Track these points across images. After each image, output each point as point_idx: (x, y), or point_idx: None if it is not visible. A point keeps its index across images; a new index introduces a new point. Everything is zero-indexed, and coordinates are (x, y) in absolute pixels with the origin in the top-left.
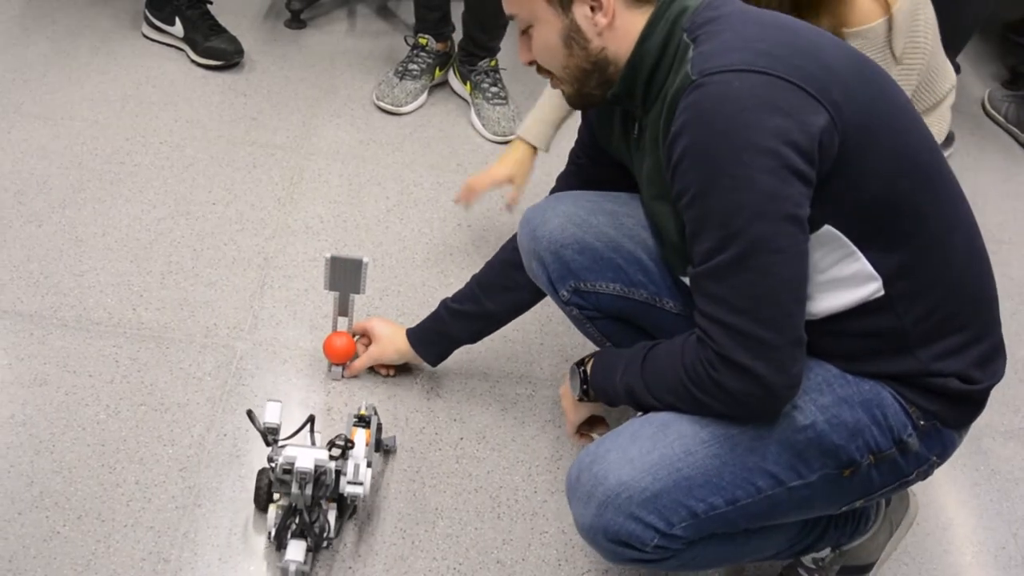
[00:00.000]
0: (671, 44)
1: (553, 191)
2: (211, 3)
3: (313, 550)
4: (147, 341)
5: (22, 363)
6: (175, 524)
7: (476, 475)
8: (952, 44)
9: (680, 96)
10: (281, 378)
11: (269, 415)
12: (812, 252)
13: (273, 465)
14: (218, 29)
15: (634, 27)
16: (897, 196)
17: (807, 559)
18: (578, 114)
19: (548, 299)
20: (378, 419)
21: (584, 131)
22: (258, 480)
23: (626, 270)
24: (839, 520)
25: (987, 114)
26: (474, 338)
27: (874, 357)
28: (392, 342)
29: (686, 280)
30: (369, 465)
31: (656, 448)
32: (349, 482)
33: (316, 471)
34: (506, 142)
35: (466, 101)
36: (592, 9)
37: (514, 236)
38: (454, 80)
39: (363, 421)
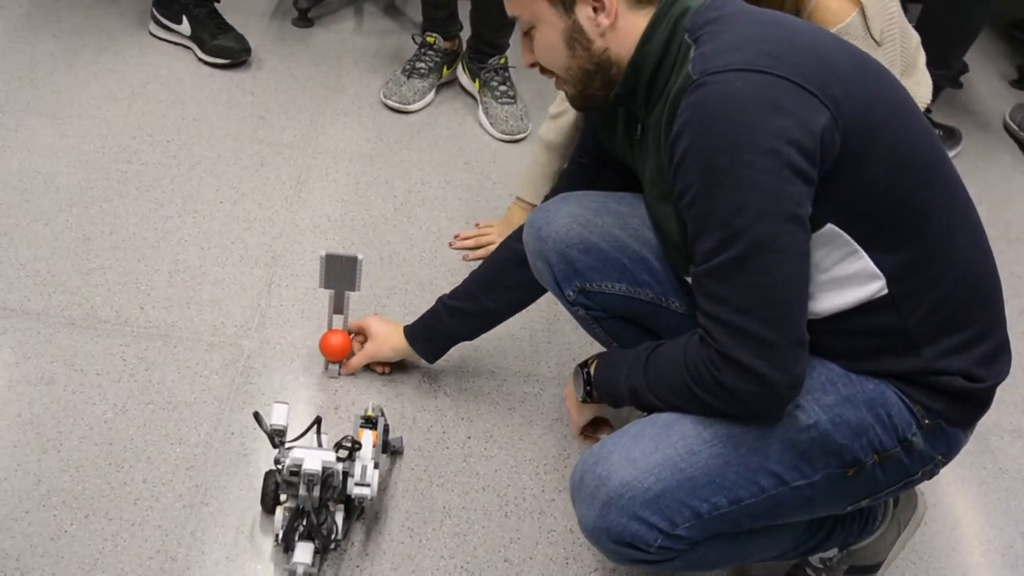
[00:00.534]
0: (673, 44)
1: (555, 190)
2: (218, 1)
3: (321, 552)
4: (154, 339)
5: (29, 361)
6: (182, 523)
7: (483, 474)
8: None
9: (682, 96)
10: (288, 376)
11: (276, 417)
12: (814, 251)
13: (280, 467)
14: (225, 27)
15: (636, 28)
16: (899, 193)
17: (814, 559)
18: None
19: (554, 297)
20: (385, 420)
21: (587, 132)
22: (265, 482)
23: (632, 270)
24: (845, 520)
25: (1008, 131)
26: (471, 335)
27: (878, 356)
28: (388, 339)
29: (690, 280)
30: (376, 466)
31: (659, 448)
32: (356, 484)
33: (323, 473)
34: (513, 141)
35: (474, 98)
36: (595, 10)
37: (513, 234)
38: (463, 76)
39: (370, 422)
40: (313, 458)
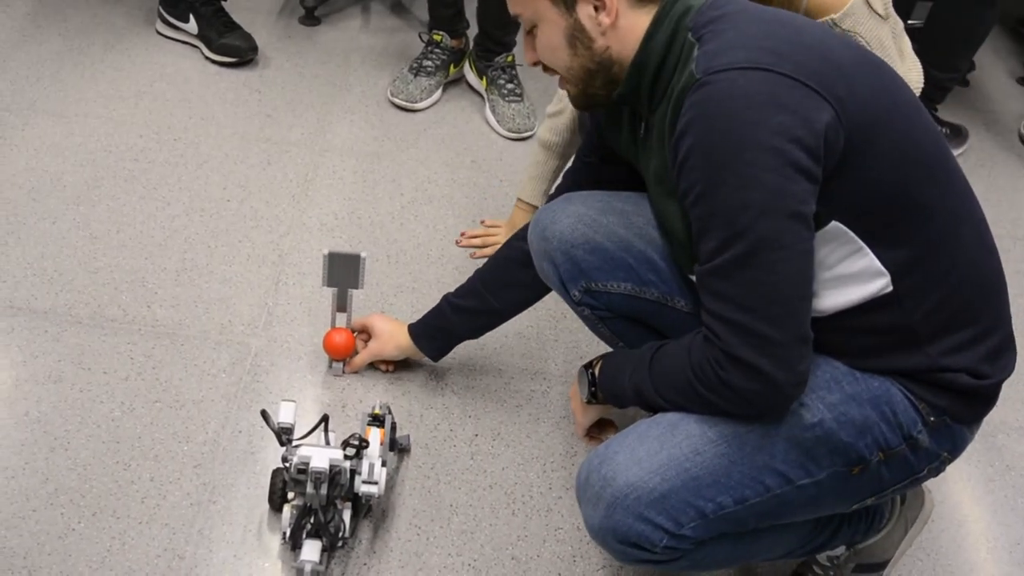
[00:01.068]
0: (676, 43)
1: (560, 188)
2: (225, 0)
3: (328, 550)
4: (162, 338)
5: (37, 360)
6: (190, 521)
7: (491, 471)
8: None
9: (685, 94)
10: (295, 375)
11: (283, 415)
12: (818, 249)
13: (288, 465)
14: (232, 26)
15: (638, 27)
16: (904, 190)
17: (821, 557)
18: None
19: (557, 297)
20: (392, 418)
21: (593, 131)
22: (272, 480)
23: (637, 269)
24: (851, 518)
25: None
26: (476, 334)
27: (883, 353)
28: (392, 337)
29: (694, 278)
30: (384, 464)
31: (664, 448)
32: (364, 481)
33: (331, 471)
34: (520, 139)
35: (481, 96)
36: (596, 9)
37: (518, 233)
38: (470, 74)
39: (377, 420)
40: (320, 456)
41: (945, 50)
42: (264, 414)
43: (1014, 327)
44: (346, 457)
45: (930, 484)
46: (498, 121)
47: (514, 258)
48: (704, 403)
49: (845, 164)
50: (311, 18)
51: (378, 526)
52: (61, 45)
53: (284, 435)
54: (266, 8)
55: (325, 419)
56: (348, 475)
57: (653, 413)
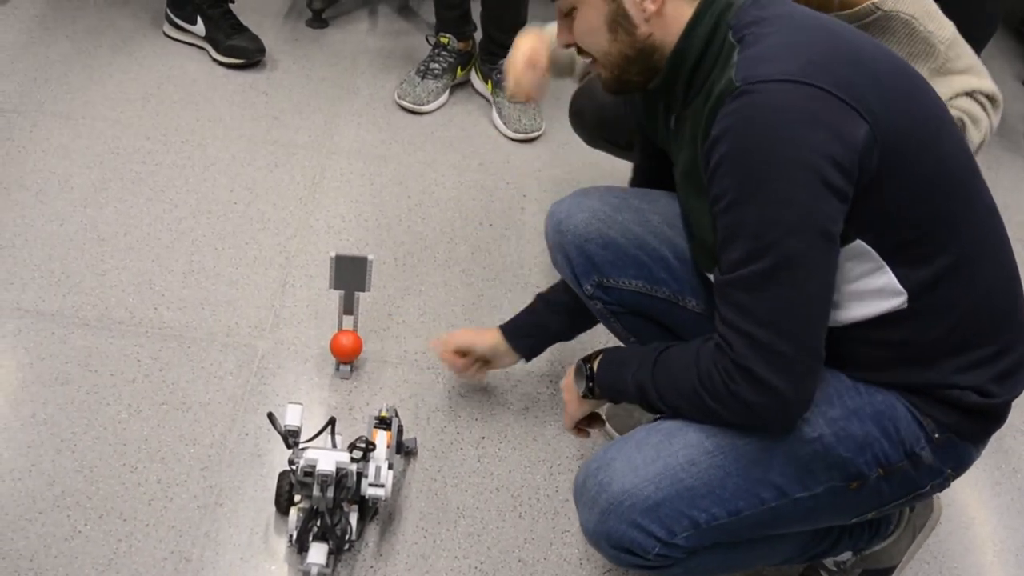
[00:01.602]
0: (715, 39)
1: (630, 181)
2: (233, 2)
3: (335, 552)
4: (168, 340)
5: (44, 362)
6: (196, 523)
7: (498, 474)
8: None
9: (723, 100)
10: (302, 377)
11: (290, 417)
12: (841, 264)
13: (294, 468)
14: (239, 28)
15: (682, 16)
16: (931, 211)
17: (828, 561)
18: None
19: None
20: (399, 421)
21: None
22: (279, 483)
23: (650, 267)
24: (854, 528)
25: None
26: (571, 332)
27: (892, 367)
28: (483, 334)
29: (711, 277)
30: (390, 467)
31: (660, 457)
32: (371, 484)
33: (337, 473)
34: (527, 139)
35: (488, 100)
36: None
37: None
38: (476, 80)
39: (384, 423)
40: (327, 459)
41: None
42: (271, 417)
43: None
44: (353, 460)
45: None
46: (504, 123)
47: None
48: (707, 411)
49: (876, 183)
50: (318, 21)
51: (385, 529)
52: (69, 47)
53: (291, 438)
54: (274, 11)
55: (332, 422)
56: (355, 478)
57: (654, 414)
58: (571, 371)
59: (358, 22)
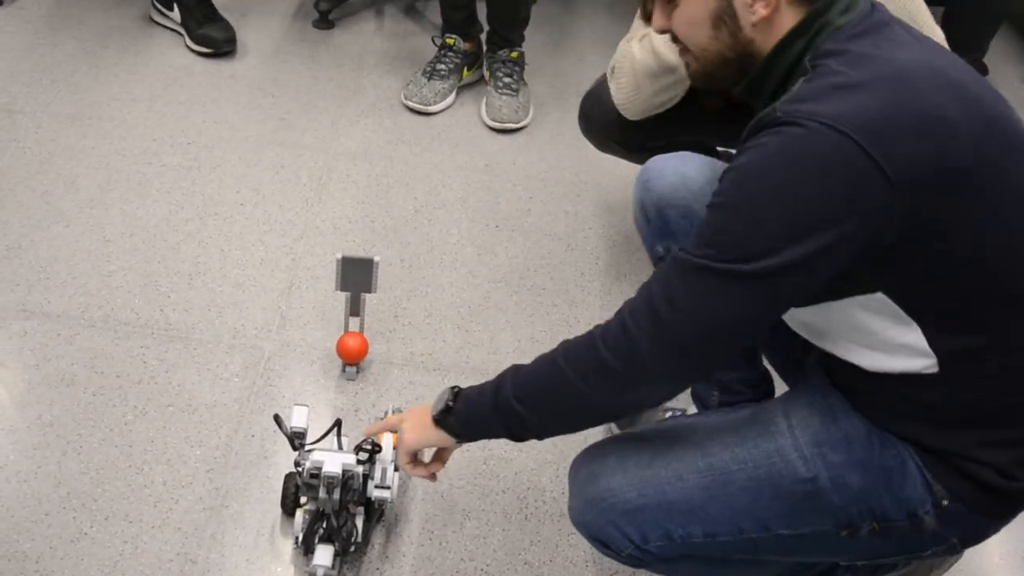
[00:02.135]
0: (803, 59)
1: None
2: None
3: (340, 554)
4: (175, 342)
5: (49, 364)
6: (202, 525)
7: (504, 476)
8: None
9: (763, 125)
10: (308, 379)
11: (296, 419)
12: (859, 312)
13: (300, 470)
14: (213, 17)
15: (785, 27)
16: (977, 283)
17: None
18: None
19: (580, 300)
20: None
21: None
22: (285, 484)
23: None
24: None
25: None
26: None
27: (913, 423)
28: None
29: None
30: (396, 469)
31: (652, 465)
32: (377, 486)
33: (343, 475)
34: (501, 129)
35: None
36: None
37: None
38: (486, 73)
39: None
40: (333, 461)
41: (967, 30)
42: (277, 418)
43: None
44: (359, 462)
45: None
46: (486, 111)
47: None
48: (555, 382)
49: (896, 245)
50: (325, 22)
51: (391, 531)
52: (75, 48)
53: (297, 440)
54: (280, 11)
55: (338, 424)
56: (361, 480)
57: (513, 436)
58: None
59: (364, 23)
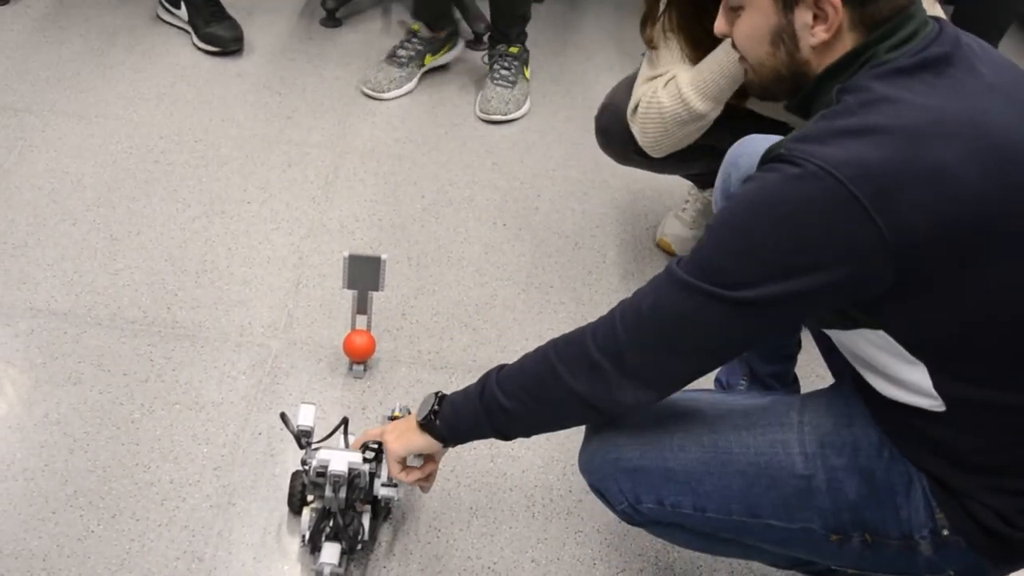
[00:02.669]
0: (840, 88)
1: None
2: None
3: (347, 553)
4: (181, 340)
5: (56, 362)
6: (209, 523)
7: (511, 474)
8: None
9: (772, 155)
10: (315, 377)
11: (303, 418)
12: (867, 345)
13: (307, 468)
14: (221, 16)
15: (839, 53)
16: (981, 340)
17: None
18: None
19: (588, 296)
20: None
21: None
22: (292, 483)
23: None
24: None
25: None
26: None
27: (921, 451)
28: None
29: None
30: None
31: (659, 429)
32: (383, 484)
33: (350, 474)
34: (488, 120)
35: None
36: (815, 18)
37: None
38: (487, 67)
39: None
40: (340, 459)
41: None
42: (283, 417)
43: None
44: (365, 460)
45: None
46: (478, 103)
47: None
48: (549, 364)
49: (892, 293)
50: (332, 20)
51: (397, 529)
52: (82, 46)
53: (303, 438)
54: (287, 9)
55: (345, 422)
56: (367, 478)
57: (500, 436)
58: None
59: (371, 21)
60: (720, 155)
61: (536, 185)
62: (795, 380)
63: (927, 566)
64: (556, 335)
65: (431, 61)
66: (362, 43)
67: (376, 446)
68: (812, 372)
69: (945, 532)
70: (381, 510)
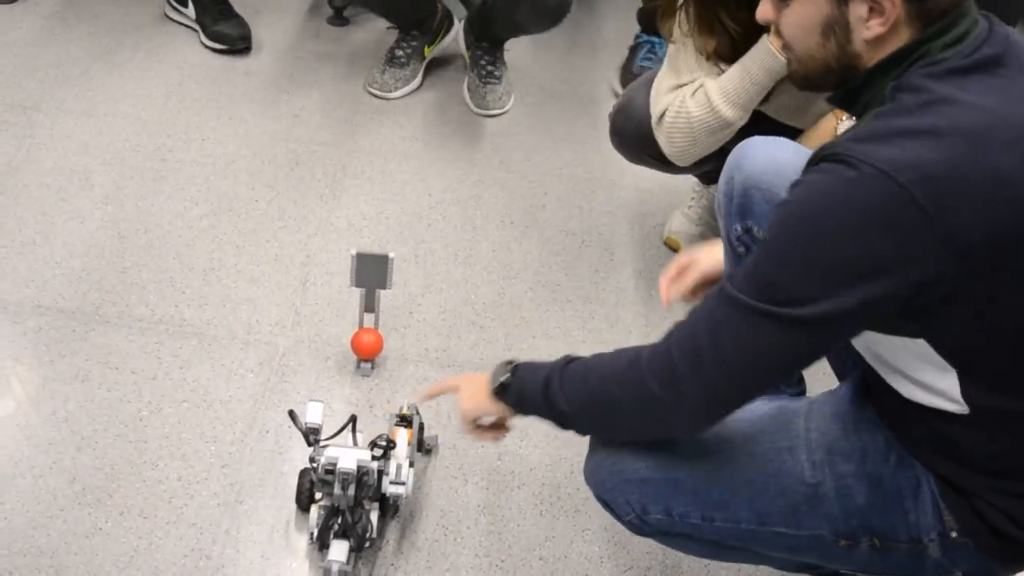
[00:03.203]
0: (900, 83)
1: None
2: None
3: (355, 550)
4: (189, 338)
5: (64, 360)
6: (217, 521)
7: (519, 472)
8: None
9: (825, 155)
10: (323, 375)
11: (311, 415)
12: (900, 351)
13: (315, 465)
14: (228, 14)
15: (892, 47)
16: (1019, 347)
17: None
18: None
19: (599, 293)
20: (420, 418)
21: None
22: (300, 480)
23: None
24: None
25: None
26: None
27: (934, 453)
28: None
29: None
30: (411, 465)
31: (665, 440)
32: (391, 482)
33: (358, 471)
34: (488, 115)
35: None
36: (871, 11)
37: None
38: (461, 43)
39: (405, 421)
40: (348, 457)
41: None
42: (292, 414)
43: None
44: (374, 458)
45: None
46: (471, 98)
47: None
48: (603, 397)
49: (944, 300)
50: (340, 18)
51: (405, 526)
52: (90, 44)
53: (311, 435)
54: (294, 8)
55: (353, 420)
56: (376, 476)
57: (555, 420)
58: (464, 381)
59: (378, 19)
60: (722, 151)
61: (543, 183)
62: (800, 379)
63: (935, 568)
64: (563, 333)
65: (431, 52)
66: (370, 41)
67: (385, 444)
68: (819, 369)
69: (953, 534)
70: (389, 508)
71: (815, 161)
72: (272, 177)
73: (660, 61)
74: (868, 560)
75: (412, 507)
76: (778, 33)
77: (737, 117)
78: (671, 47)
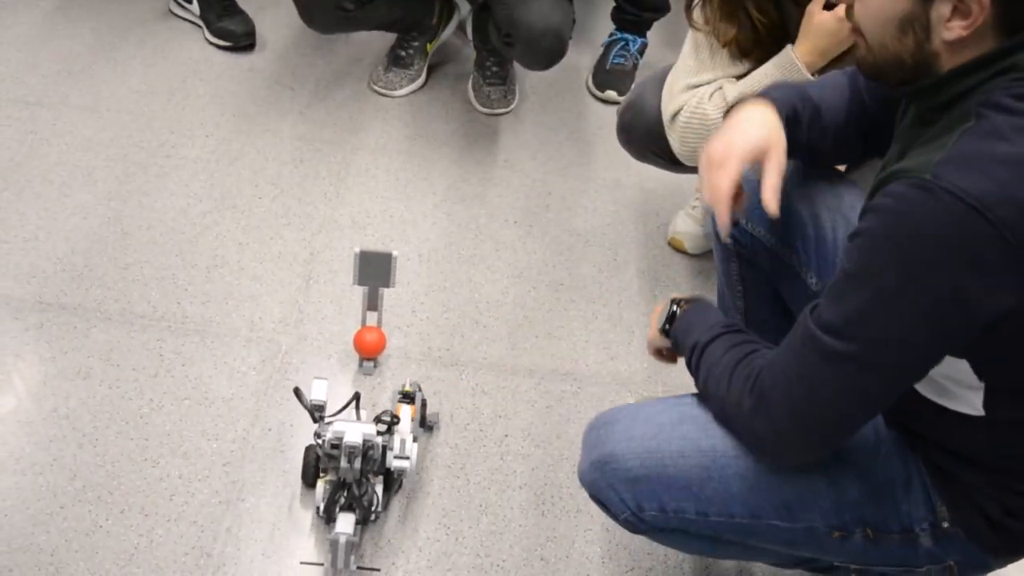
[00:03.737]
0: (977, 95)
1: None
2: None
3: (362, 523)
4: (191, 335)
5: (66, 356)
6: (218, 519)
7: (520, 472)
8: None
9: (910, 174)
10: (326, 373)
11: (316, 392)
12: (937, 367)
13: (321, 441)
14: (233, 10)
15: (974, 52)
16: None
17: None
18: None
19: (598, 291)
20: (422, 395)
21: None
22: (305, 456)
23: (791, 230)
24: None
25: None
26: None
27: (932, 446)
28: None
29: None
30: (415, 440)
31: (657, 438)
32: (396, 456)
33: (364, 445)
34: (493, 114)
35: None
36: (954, 12)
37: None
38: (469, 29)
39: (408, 397)
40: (354, 431)
41: None
42: (297, 392)
43: None
44: (378, 433)
45: None
46: (475, 97)
47: None
48: (718, 406)
49: (1006, 332)
50: None
51: (407, 524)
52: (93, 40)
53: (317, 412)
54: None
55: (357, 397)
56: (380, 450)
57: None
58: (661, 305)
59: None
60: None
61: (547, 182)
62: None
63: (928, 557)
64: (567, 332)
65: (433, 47)
66: (374, 39)
67: (389, 419)
68: None
69: (945, 524)
70: (394, 482)
71: (891, 179)
72: (276, 174)
73: (633, 58)
74: (863, 550)
75: (414, 485)
76: (849, 15)
77: None
78: (687, 45)
